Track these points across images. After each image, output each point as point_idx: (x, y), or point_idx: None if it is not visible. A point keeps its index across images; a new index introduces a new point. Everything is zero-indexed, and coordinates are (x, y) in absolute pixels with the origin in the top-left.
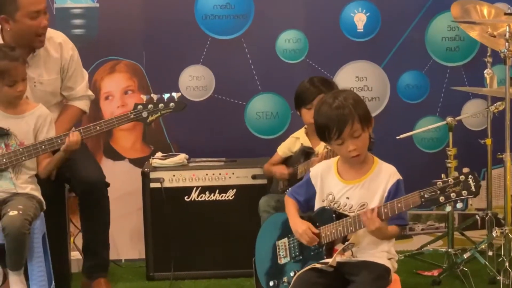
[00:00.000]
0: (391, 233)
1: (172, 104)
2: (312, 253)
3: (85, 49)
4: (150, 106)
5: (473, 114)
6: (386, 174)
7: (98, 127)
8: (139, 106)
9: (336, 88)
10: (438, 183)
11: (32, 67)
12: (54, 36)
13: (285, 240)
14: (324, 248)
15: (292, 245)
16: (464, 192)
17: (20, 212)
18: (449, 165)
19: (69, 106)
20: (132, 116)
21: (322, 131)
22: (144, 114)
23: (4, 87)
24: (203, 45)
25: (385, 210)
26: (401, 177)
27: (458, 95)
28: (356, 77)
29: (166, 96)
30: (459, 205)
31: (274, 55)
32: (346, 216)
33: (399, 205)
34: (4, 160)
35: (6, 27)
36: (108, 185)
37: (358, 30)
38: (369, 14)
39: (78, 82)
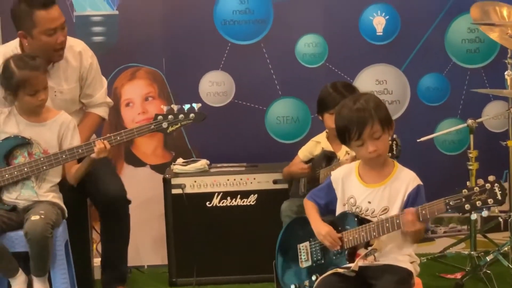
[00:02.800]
0: (421, 237)
1: (192, 115)
2: (334, 257)
3: (105, 56)
4: (170, 116)
5: (494, 116)
6: (406, 178)
7: (118, 137)
8: (160, 117)
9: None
10: (463, 191)
11: (52, 77)
12: (74, 44)
13: (307, 243)
14: (346, 252)
15: (314, 248)
16: (490, 201)
17: (42, 216)
18: (470, 167)
19: (89, 114)
20: (152, 126)
21: (343, 133)
22: (164, 124)
23: (26, 97)
24: (223, 51)
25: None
26: (421, 183)
27: (478, 97)
28: (376, 80)
29: (186, 107)
30: (485, 213)
31: (294, 59)
32: (368, 221)
33: (423, 212)
34: (26, 169)
35: (24, 42)
36: (129, 202)
37: (378, 34)
38: (389, 17)
39: (97, 90)
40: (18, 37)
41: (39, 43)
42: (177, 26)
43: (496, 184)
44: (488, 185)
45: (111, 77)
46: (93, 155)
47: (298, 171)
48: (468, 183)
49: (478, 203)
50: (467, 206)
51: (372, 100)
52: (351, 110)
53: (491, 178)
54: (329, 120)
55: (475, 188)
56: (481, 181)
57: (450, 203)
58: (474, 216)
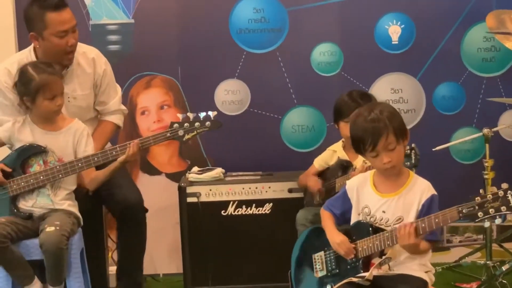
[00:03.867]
0: (422, 249)
1: (208, 123)
2: (349, 266)
3: (120, 64)
4: (186, 124)
5: (510, 125)
6: (420, 188)
7: None
8: (175, 125)
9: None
10: (476, 198)
11: (66, 82)
12: (87, 51)
13: (322, 253)
14: (361, 262)
15: (328, 258)
16: (503, 208)
17: (57, 228)
18: (486, 176)
19: (104, 122)
20: (168, 134)
21: (357, 144)
22: (180, 132)
23: (45, 101)
24: (238, 59)
25: (423, 225)
26: (435, 193)
27: (494, 106)
28: (392, 89)
29: (202, 114)
30: (498, 220)
31: (309, 68)
32: (382, 230)
33: (436, 220)
34: (42, 177)
35: (35, 44)
36: (146, 210)
37: (393, 42)
38: (404, 26)
39: (111, 97)
40: (29, 38)
41: (50, 45)
42: (192, 35)
43: (509, 192)
44: (501, 193)
45: (126, 85)
46: (123, 157)
47: (309, 186)
48: (481, 190)
49: (491, 211)
50: (480, 214)
51: (387, 110)
52: (366, 121)
53: (504, 185)
54: (345, 128)
55: (488, 196)
56: (494, 189)
57: (463, 211)
58: (487, 223)
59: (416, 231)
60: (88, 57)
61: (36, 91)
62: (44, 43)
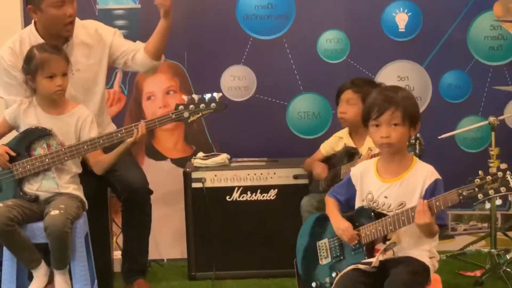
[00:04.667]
0: (436, 231)
1: (213, 104)
2: (353, 252)
3: None
4: (191, 106)
5: None
6: (424, 173)
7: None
8: (181, 107)
9: (378, 85)
10: (475, 180)
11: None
12: (86, 24)
13: (326, 240)
14: (364, 247)
15: (333, 245)
16: (503, 189)
17: (62, 211)
18: (491, 165)
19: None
20: (173, 116)
21: (366, 112)
22: (186, 114)
23: (43, 80)
24: (245, 46)
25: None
26: (439, 177)
27: (500, 95)
28: (398, 76)
29: (207, 96)
30: (498, 201)
31: (316, 55)
32: (385, 215)
33: (437, 203)
34: (47, 160)
35: (34, 17)
36: (151, 192)
37: (400, 30)
38: (411, 14)
39: (134, 44)
40: (27, 11)
41: (48, 17)
42: (199, 20)
43: (508, 172)
44: (500, 174)
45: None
46: (131, 140)
47: (314, 174)
48: (480, 172)
49: (491, 192)
50: (479, 196)
51: (406, 93)
52: (382, 91)
53: (503, 166)
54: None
55: (487, 177)
56: (493, 170)
57: (463, 193)
58: (488, 205)
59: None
60: (89, 29)
61: (35, 69)
62: (42, 15)
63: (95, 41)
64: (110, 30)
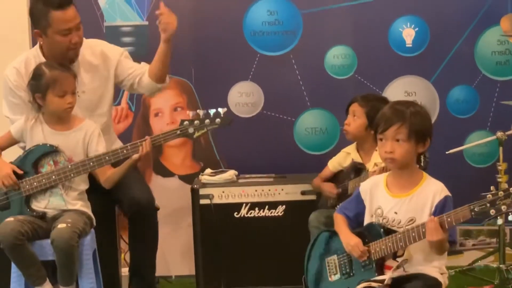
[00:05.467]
0: (447, 247)
1: (218, 119)
2: (363, 269)
3: None
4: (196, 122)
5: None
6: (434, 189)
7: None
8: (186, 122)
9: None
10: (488, 196)
11: None
12: (93, 44)
13: (335, 257)
14: (374, 264)
15: (342, 261)
16: None
17: (69, 225)
18: (499, 180)
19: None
20: (178, 132)
21: (376, 123)
22: (190, 130)
23: (54, 98)
24: (252, 62)
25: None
26: (449, 194)
27: (508, 109)
28: (405, 92)
29: (212, 111)
30: (511, 217)
31: (323, 71)
32: (394, 231)
33: (448, 219)
34: (54, 177)
35: (39, 40)
36: (158, 209)
37: (407, 45)
38: (418, 29)
39: (140, 66)
40: (34, 35)
41: (53, 42)
42: (206, 37)
43: None
44: None
45: None
46: (136, 155)
47: (326, 192)
48: (492, 187)
49: (503, 208)
50: (492, 211)
51: (417, 108)
52: (393, 106)
53: None
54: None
55: (499, 193)
56: (505, 185)
57: (475, 209)
58: (500, 221)
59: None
60: (95, 50)
61: (46, 87)
62: (47, 40)
63: (100, 62)
64: (117, 51)
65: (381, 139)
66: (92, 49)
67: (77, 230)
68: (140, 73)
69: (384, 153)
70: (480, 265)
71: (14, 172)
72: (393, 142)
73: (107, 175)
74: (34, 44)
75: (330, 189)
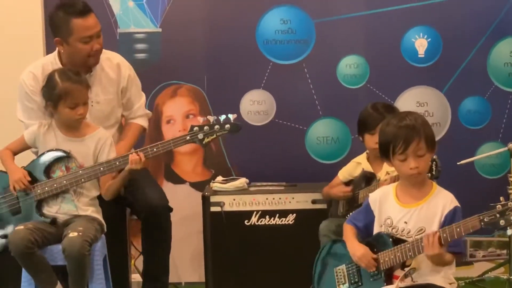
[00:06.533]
0: (447, 260)
1: (227, 125)
2: (371, 279)
3: (147, 73)
4: (206, 128)
5: None
6: (444, 200)
7: (155, 149)
8: (195, 128)
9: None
10: (497, 206)
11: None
12: (111, 57)
13: (343, 266)
14: (383, 274)
15: (350, 271)
16: None
17: (80, 233)
18: (510, 191)
19: (131, 124)
20: (188, 138)
21: (387, 147)
22: (200, 136)
23: (66, 109)
24: (265, 70)
25: (444, 235)
26: (459, 205)
27: None
28: (417, 102)
29: (222, 117)
30: None
31: (335, 80)
32: (403, 241)
33: (458, 229)
34: (65, 182)
35: (60, 48)
36: (171, 209)
37: (419, 56)
38: (430, 40)
39: (137, 101)
40: (54, 43)
41: (74, 50)
42: (219, 45)
43: None
44: None
45: (152, 94)
46: (128, 167)
47: (340, 194)
48: (501, 198)
49: None
50: (502, 222)
51: (420, 118)
52: (399, 125)
53: None
54: (370, 140)
55: (509, 203)
56: None
57: (485, 219)
58: (510, 231)
59: (440, 240)
60: (113, 63)
61: (58, 98)
62: (69, 48)
63: (115, 74)
64: (126, 72)
65: (402, 160)
66: (110, 61)
67: (88, 238)
68: (132, 117)
69: (409, 170)
70: (490, 277)
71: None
72: (415, 158)
73: (106, 186)
74: (48, 50)
75: (341, 189)
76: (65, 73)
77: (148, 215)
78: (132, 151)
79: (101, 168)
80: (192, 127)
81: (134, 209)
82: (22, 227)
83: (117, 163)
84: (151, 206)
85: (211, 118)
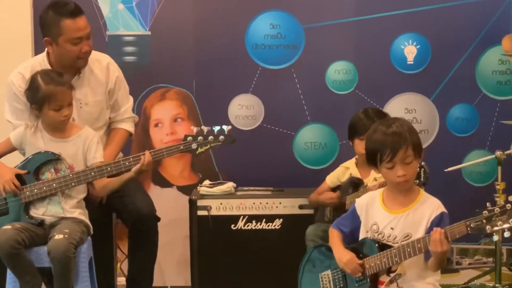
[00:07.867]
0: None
1: (222, 137)
2: (357, 284)
3: (136, 76)
4: (200, 138)
5: None
6: (430, 206)
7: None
8: (189, 138)
9: None
10: (484, 212)
11: (77, 88)
12: (101, 58)
13: (328, 272)
14: (368, 279)
15: (336, 277)
16: (511, 221)
17: (66, 236)
18: (497, 199)
19: (116, 129)
20: (181, 147)
21: (374, 155)
22: (194, 146)
23: (50, 112)
24: (253, 75)
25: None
26: (445, 211)
27: (508, 129)
28: (406, 109)
29: (216, 128)
30: (507, 233)
31: (324, 85)
32: (389, 247)
33: (451, 231)
34: (54, 185)
35: (49, 48)
36: (158, 219)
37: (408, 62)
38: (420, 47)
39: (124, 103)
40: (43, 43)
41: (63, 51)
42: (208, 49)
43: None
44: (508, 206)
45: (141, 97)
46: (136, 167)
47: (327, 201)
48: (488, 204)
49: (499, 224)
50: (488, 228)
51: (407, 125)
52: (386, 133)
53: (511, 198)
54: (360, 145)
55: (495, 209)
56: (501, 202)
57: (471, 225)
58: (496, 237)
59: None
60: (102, 64)
61: (42, 101)
62: (58, 48)
63: (104, 76)
64: (115, 73)
65: (389, 168)
66: (100, 62)
67: (74, 241)
68: (119, 120)
69: (396, 178)
70: (476, 284)
71: (17, 176)
72: (403, 165)
73: (104, 183)
74: (37, 51)
75: (328, 196)
76: (48, 74)
77: (135, 223)
78: (122, 158)
79: (92, 173)
80: (186, 136)
81: (121, 216)
82: (9, 226)
83: (108, 168)
84: (138, 215)
85: (205, 129)
